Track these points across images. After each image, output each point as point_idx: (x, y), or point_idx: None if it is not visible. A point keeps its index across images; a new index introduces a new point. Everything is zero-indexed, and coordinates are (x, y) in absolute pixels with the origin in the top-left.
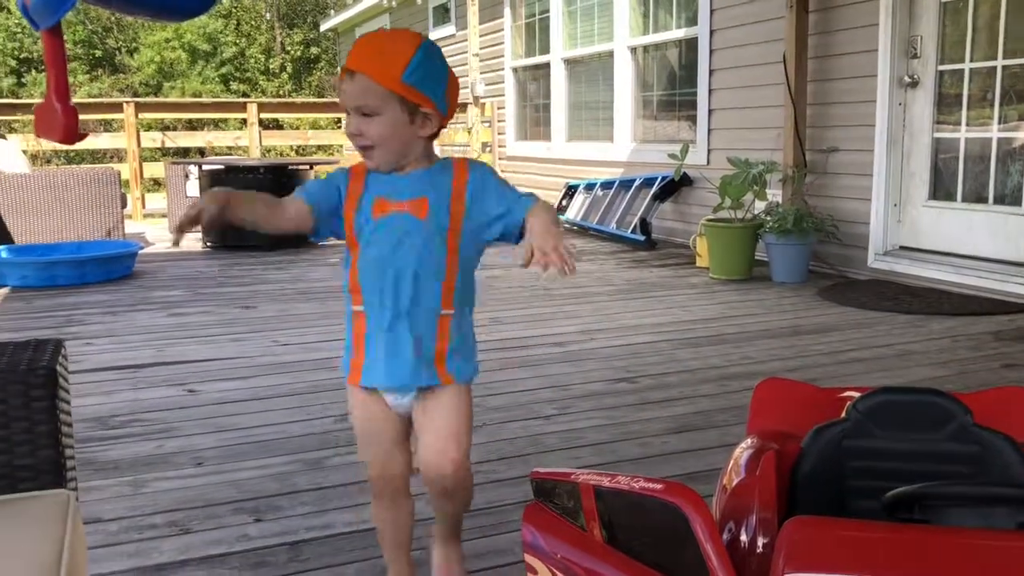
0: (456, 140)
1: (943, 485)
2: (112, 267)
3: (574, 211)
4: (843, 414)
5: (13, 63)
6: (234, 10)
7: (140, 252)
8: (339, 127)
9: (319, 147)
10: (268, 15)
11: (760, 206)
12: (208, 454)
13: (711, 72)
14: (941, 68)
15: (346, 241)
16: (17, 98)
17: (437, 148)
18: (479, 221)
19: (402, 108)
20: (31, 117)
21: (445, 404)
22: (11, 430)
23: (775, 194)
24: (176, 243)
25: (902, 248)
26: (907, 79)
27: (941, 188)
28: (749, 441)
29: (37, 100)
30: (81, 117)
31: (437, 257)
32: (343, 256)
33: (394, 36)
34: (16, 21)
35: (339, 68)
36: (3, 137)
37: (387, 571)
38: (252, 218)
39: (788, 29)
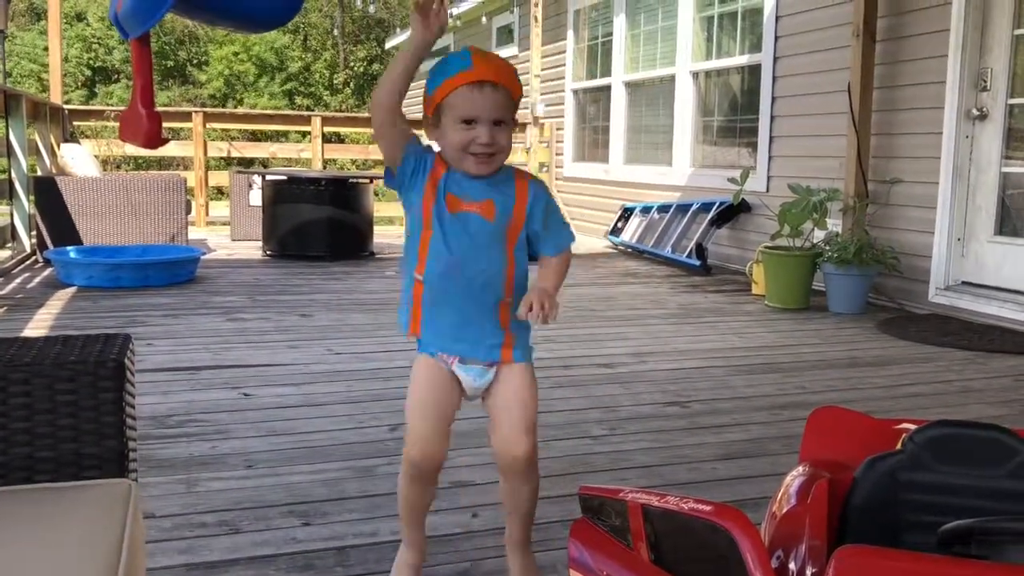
0: (514, 160)
1: (1003, 520)
2: (175, 271)
3: (629, 233)
4: (899, 446)
5: (88, 72)
6: (302, 26)
7: (202, 258)
8: None
9: (378, 161)
10: (335, 31)
11: (819, 235)
12: (260, 457)
13: (774, 99)
14: (1012, 102)
15: (417, 216)
16: (89, 105)
17: None
18: (529, 232)
19: (514, 122)
20: (103, 123)
21: (517, 385)
22: (79, 419)
23: (835, 223)
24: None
25: (965, 283)
26: (975, 112)
27: (1008, 224)
28: (801, 469)
29: (111, 107)
30: None
31: (501, 256)
32: (409, 229)
33: (502, 59)
34: (92, 32)
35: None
36: (77, 142)
37: (402, 538)
38: (413, 63)
39: (854, 58)
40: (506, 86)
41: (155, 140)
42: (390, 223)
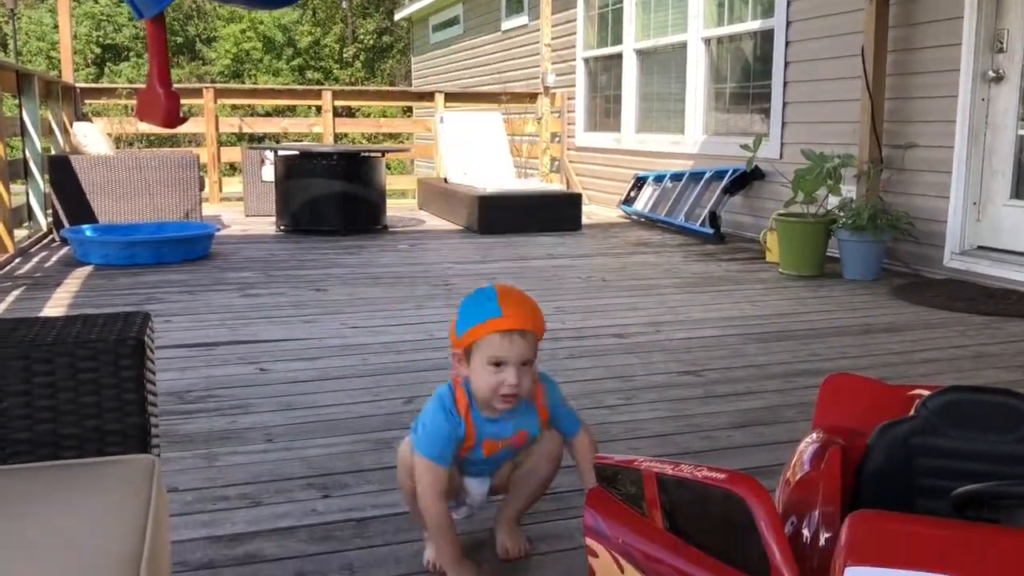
0: (526, 130)
1: (1016, 485)
2: (190, 248)
3: (642, 203)
4: (912, 412)
5: (97, 50)
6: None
7: (216, 234)
8: (409, 115)
9: (389, 135)
10: (344, 4)
11: (833, 201)
12: (278, 431)
13: (786, 64)
14: None
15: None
16: (99, 83)
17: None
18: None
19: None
20: (115, 101)
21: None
22: (101, 397)
23: (849, 189)
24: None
25: (980, 248)
26: (991, 74)
27: None
28: (814, 436)
29: (122, 85)
30: None
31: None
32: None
33: (525, 296)
34: (101, 10)
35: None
36: (89, 120)
37: (429, 546)
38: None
39: (867, 21)
40: (532, 331)
41: (174, 119)
42: (403, 196)
